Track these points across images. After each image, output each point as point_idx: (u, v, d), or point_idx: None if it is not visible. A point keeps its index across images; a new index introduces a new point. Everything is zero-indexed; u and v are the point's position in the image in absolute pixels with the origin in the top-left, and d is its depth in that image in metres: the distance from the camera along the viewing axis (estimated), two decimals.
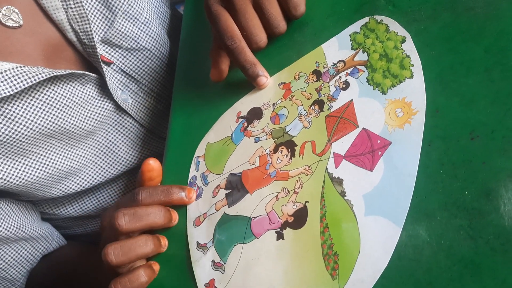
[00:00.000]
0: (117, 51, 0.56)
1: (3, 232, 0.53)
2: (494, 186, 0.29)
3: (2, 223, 0.53)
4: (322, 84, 0.41)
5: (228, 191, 0.42)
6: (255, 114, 0.45)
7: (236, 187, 0.42)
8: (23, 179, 0.50)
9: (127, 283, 0.42)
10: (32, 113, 0.48)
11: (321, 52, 0.43)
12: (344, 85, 0.40)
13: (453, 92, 0.33)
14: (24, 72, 0.46)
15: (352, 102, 0.39)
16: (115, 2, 0.53)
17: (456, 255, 0.29)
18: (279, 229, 0.37)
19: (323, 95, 0.41)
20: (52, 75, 0.48)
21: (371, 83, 0.38)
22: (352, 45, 0.41)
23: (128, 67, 0.57)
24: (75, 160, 0.55)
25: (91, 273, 0.57)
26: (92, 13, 0.52)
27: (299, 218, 0.37)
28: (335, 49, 0.42)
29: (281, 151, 0.41)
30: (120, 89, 0.57)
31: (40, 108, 0.49)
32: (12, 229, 0.54)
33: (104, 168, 0.58)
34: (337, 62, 0.41)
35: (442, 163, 0.32)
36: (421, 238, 0.31)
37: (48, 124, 0.50)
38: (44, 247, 0.60)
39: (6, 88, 0.44)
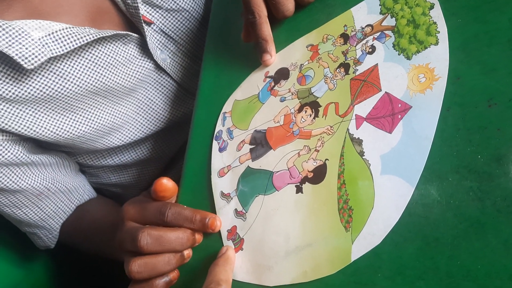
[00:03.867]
0: (157, 12, 0.58)
1: (38, 186, 0.57)
2: (506, 151, 0.30)
3: (37, 177, 0.57)
4: (349, 48, 0.42)
5: (253, 146, 0.45)
6: (282, 74, 0.46)
7: (260, 143, 0.44)
8: (71, 133, 0.54)
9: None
10: (80, 71, 0.51)
11: (350, 16, 0.44)
12: (370, 49, 0.41)
13: (475, 60, 0.34)
14: (74, 33, 0.48)
15: (377, 66, 0.40)
16: None
17: (463, 214, 0.31)
18: (298, 184, 0.40)
19: (349, 59, 0.42)
20: (99, 36, 0.50)
21: (396, 48, 0.39)
22: (381, 9, 0.42)
23: (167, 28, 0.59)
24: (117, 117, 0.58)
25: (106, 231, 0.60)
26: None
27: (318, 174, 0.39)
28: (364, 13, 0.43)
29: (306, 111, 0.43)
30: (159, 49, 0.59)
31: (87, 67, 0.52)
32: (46, 183, 0.58)
33: (144, 124, 0.62)
34: (365, 26, 0.42)
35: (458, 128, 0.33)
36: (432, 197, 0.32)
37: (94, 81, 0.53)
38: (78, 198, 0.65)
39: (57, 48, 0.47)
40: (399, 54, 0.39)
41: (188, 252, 0.44)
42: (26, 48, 0.45)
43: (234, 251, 0.41)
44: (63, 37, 0.48)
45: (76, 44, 0.48)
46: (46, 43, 0.46)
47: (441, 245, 0.31)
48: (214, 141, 0.48)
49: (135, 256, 0.43)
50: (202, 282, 0.38)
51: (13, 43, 0.45)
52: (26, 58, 0.45)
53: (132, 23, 0.57)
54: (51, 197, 0.60)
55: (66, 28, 0.48)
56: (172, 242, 0.43)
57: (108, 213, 0.65)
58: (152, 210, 0.45)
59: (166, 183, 0.44)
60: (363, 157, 0.37)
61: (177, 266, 0.43)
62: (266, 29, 0.47)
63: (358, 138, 0.38)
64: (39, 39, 0.46)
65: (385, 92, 0.38)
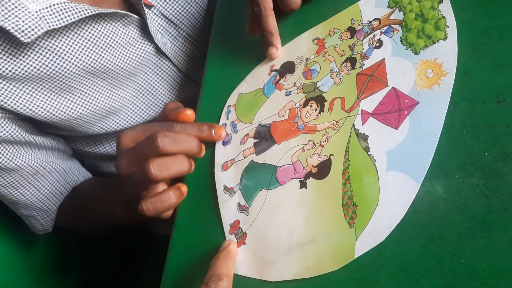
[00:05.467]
0: None
1: (33, 164, 0.57)
2: None
3: (31, 156, 0.57)
4: (356, 42, 0.42)
5: (257, 140, 0.44)
6: (288, 68, 0.46)
7: (265, 137, 0.44)
8: (67, 114, 0.54)
9: (157, 203, 0.44)
10: (76, 49, 0.51)
11: (357, 9, 0.43)
12: (378, 44, 0.40)
13: (484, 56, 0.34)
14: (71, 7, 0.48)
15: (384, 61, 0.39)
16: None
17: (469, 212, 0.30)
18: (302, 179, 0.39)
19: (356, 53, 0.41)
20: (97, 12, 0.50)
21: (404, 43, 0.39)
22: (389, 3, 0.41)
23: (168, 11, 0.59)
24: (116, 100, 0.58)
25: (102, 201, 0.60)
26: None
27: (322, 170, 0.39)
28: (372, 6, 0.42)
29: (311, 106, 0.42)
30: (160, 32, 0.59)
31: (85, 46, 0.52)
32: (41, 162, 0.58)
33: (143, 110, 0.61)
34: (373, 20, 0.42)
35: (465, 124, 0.33)
36: (437, 194, 0.32)
37: (91, 61, 0.52)
38: (74, 179, 0.64)
39: (55, 21, 0.47)
40: (406, 49, 0.38)
41: (192, 164, 0.47)
42: (23, 21, 0.45)
43: (236, 245, 0.41)
44: (61, 10, 0.47)
45: (74, 18, 0.48)
46: (43, 16, 0.46)
47: (446, 243, 0.31)
48: None
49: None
50: (204, 275, 0.38)
51: (9, 16, 0.44)
52: (23, 31, 0.45)
53: (132, 5, 0.56)
54: (47, 177, 0.60)
55: (64, 2, 0.48)
56: (187, 141, 0.45)
57: (104, 181, 0.65)
58: (157, 126, 0.46)
59: (190, 113, 0.47)
60: (369, 153, 0.36)
61: (188, 170, 0.46)
62: (271, 21, 0.46)
63: (364, 133, 0.38)
64: (36, 12, 0.46)
65: (392, 87, 0.38)
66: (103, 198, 0.60)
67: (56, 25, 0.47)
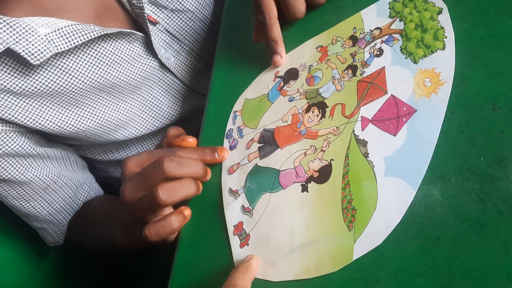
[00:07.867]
0: (162, 12, 0.59)
1: (44, 177, 0.58)
2: (508, 154, 0.31)
3: (42, 170, 0.58)
4: (357, 50, 0.43)
5: (261, 144, 0.46)
6: (291, 74, 0.47)
7: (268, 142, 0.45)
8: (75, 127, 0.55)
9: (159, 229, 0.44)
10: (84, 67, 0.53)
11: (360, 18, 0.44)
12: (378, 52, 0.41)
13: (481, 64, 0.35)
14: (78, 29, 0.50)
15: (384, 69, 0.40)
16: None
17: (465, 215, 0.31)
18: (304, 183, 0.41)
19: (357, 61, 0.43)
20: (103, 33, 0.52)
21: (404, 52, 0.40)
22: (390, 13, 0.42)
23: (172, 27, 0.60)
24: (122, 113, 0.59)
25: (105, 218, 0.61)
26: None
27: (323, 174, 0.40)
28: (373, 16, 0.43)
29: (313, 111, 0.43)
30: (164, 48, 0.60)
31: (92, 63, 0.53)
32: (52, 176, 0.59)
33: (148, 121, 0.63)
34: (374, 29, 0.43)
35: (462, 130, 0.34)
36: (434, 198, 0.33)
37: (98, 77, 0.54)
38: (84, 195, 0.66)
39: (62, 44, 0.49)
40: (406, 58, 0.39)
41: (201, 185, 0.47)
42: (33, 45, 0.47)
43: (258, 260, 0.41)
44: (68, 33, 0.49)
45: (81, 40, 0.50)
46: (52, 39, 0.48)
47: (442, 244, 0.32)
48: (225, 139, 0.49)
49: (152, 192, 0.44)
50: (210, 277, 0.38)
51: (20, 39, 0.46)
52: (32, 54, 0.47)
53: (137, 21, 0.58)
54: (58, 191, 0.61)
55: (72, 25, 0.49)
56: (192, 165, 0.45)
57: (111, 202, 0.66)
58: (162, 151, 0.47)
59: (192, 141, 0.47)
60: (368, 158, 0.38)
61: (195, 194, 0.46)
62: (276, 30, 0.47)
63: (363, 139, 0.39)
64: (45, 35, 0.47)
65: (391, 95, 0.39)
66: (104, 220, 0.61)
67: (64, 47, 0.49)
